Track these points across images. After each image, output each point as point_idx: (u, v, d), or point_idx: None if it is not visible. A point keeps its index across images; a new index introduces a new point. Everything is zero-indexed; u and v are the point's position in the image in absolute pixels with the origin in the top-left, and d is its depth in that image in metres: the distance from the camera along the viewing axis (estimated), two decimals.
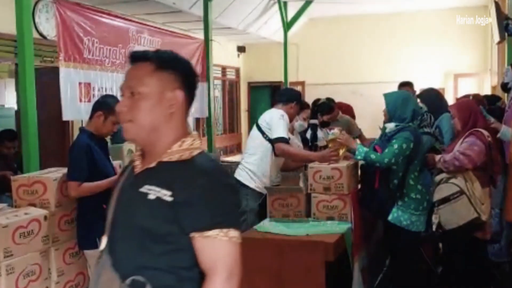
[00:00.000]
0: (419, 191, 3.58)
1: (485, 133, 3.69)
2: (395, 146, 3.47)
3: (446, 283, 3.84)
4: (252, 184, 4.22)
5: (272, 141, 4.14)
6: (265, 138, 4.22)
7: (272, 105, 4.68)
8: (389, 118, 3.64)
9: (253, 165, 4.23)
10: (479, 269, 3.92)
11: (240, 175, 4.30)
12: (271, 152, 4.20)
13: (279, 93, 4.78)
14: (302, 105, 5.32)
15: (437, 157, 3.71)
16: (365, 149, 3.55)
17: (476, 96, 4.68)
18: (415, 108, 3.66)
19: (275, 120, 4.19)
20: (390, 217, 3.57)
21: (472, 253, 3.85)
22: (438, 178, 3.66)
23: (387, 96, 3.71)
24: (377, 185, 3.58)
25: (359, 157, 3.57)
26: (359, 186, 3.86)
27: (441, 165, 3.64)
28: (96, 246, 3.14)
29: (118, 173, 3.40)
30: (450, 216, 3.54)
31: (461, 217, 3.53)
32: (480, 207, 3.54)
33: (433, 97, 4.89)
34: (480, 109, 3.98)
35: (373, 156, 3.49)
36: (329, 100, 6.40)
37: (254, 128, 4.34)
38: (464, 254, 3.73)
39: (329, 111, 6.14)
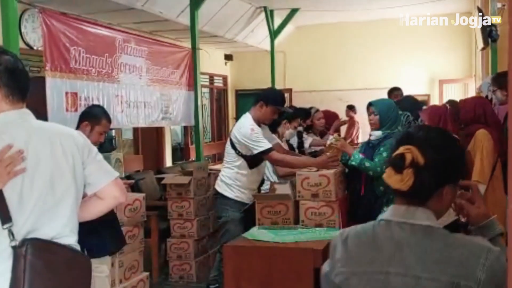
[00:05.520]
0: None
1: (457, 138, 3.77)
2: (384, 154, 3.50)
3: None
4: (231, 195, 4.21)
5: (260, 156, 4.10)
6: (237, 153, 4.14)
7: None
8: (380, 126, 3.66)
9: (229, 179, 4.22)
10: None
11: (220, 186, 4.29)
12: (245, 166, 4.17)
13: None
14: (293, 115, 5.37)
15: None
16: (361, 156, 3.59)
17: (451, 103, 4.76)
18: (397, 114, 3.77)
19: (248, 137, 4.02)
20: None
21: None
22: None
23: (378, 104, 3.71)
24: (363, 192, 3.62)
25: (354, 163, 3.61)
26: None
27: None
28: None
29: None
30: None
31: (442, 219, 3.56)
32: None
33: (412, 104, 4.97)
34: (448, 115, 4.04)
35: (367, 164, 3.53)
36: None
37: (228, 142, 4.25)
38: None
39: (307, 116, 6.21)
